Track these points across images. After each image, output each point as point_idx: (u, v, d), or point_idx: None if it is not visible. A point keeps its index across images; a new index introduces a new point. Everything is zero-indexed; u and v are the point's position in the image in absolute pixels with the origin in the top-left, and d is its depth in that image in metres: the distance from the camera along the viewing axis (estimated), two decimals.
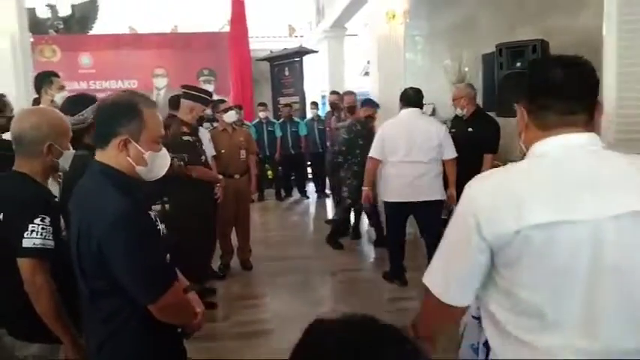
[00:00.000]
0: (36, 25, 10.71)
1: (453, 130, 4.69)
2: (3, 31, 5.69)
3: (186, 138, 4.01)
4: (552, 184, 1.21)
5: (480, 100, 5.74)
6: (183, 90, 4.12)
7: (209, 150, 4.66)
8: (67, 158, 1.96)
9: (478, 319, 2.76)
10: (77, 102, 2.51)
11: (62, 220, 1.92)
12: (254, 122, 8.84)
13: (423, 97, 4.52)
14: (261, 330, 3.79)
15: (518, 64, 4.48)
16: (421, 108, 4.54)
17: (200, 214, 4.03)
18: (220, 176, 4.47)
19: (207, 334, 3.61)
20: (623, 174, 1.21)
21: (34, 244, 1.73)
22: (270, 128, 8.82)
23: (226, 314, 4.01)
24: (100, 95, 9.99)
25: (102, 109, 1.60)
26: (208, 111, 5.26)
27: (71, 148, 2.01)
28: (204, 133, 4.76)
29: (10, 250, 1.75)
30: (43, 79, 3.92)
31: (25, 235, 1.73)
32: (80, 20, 11.04)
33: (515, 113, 4.75)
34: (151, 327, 1.55)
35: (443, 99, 6.19)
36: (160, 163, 1.63)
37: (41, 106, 3.74)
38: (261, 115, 8.78)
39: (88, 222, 1.47)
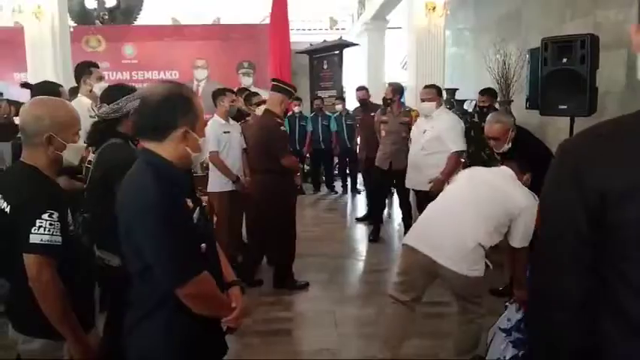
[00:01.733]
0: (84, 16, 10.99)
1: None
2: (43, 17, 5.80)
3: (283, 129, 4.28)
4: None
5: (523, 98, 5.48)
6: (274, 83, 4.29)
7: (241, 143, 4.71)
8: (73, 151, 1.91)
9: (506, 331, 2.61)
10: (115, 91, 2.53)
11: (70, 216, 1.87)
12: (287, 116, 8.76)
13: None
14: (283, 329, 3.71)
15: (565, 60, 4.21)
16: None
17: (287, 204, 4.29)
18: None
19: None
20: None
21: (41, 240, 1.69)
22: (302, 123, 8.74)
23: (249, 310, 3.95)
24: (142, 85, 10.23)
25: (154, 103, 1.55)
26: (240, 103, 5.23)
27: (80, 141, 1.96)
28: (235, 127, 4.75)
29: (16, 243, 1.71)
30: (83, 69, 3.95)
31: (32, 230, 1.69)
32: (125, 11, 11.22)
33: (560, 112, 4.52)
34: (183, 315, 1.54)
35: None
36: (205, 147, 1.70)
37: (80, 95, 3.80)
38: (295, 109, 8.70)
39: (123, 208, 1.53)
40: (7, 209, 1.74)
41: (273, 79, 4.39)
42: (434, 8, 5.50)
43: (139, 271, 1.55)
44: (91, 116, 2.52)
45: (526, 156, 2.97)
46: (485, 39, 7.83)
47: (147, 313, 1.56)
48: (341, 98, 9.11)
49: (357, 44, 10.47)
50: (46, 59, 5.84)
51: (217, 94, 4.66)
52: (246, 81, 10.40)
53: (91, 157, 2.52)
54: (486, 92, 5.62)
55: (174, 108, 1.54)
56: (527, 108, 5.35)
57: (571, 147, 1.08)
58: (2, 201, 1.75)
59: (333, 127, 8.74)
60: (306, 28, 11.71)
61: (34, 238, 1.69)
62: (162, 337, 1.56)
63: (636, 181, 0.93)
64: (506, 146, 3.49)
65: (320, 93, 10.18)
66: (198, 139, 1.60)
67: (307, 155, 9.00)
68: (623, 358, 0.97)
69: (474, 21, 8.15)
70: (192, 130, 1.57)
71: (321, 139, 8.78)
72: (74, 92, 5.07)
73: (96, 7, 11.01)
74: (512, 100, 5.95)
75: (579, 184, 0.99)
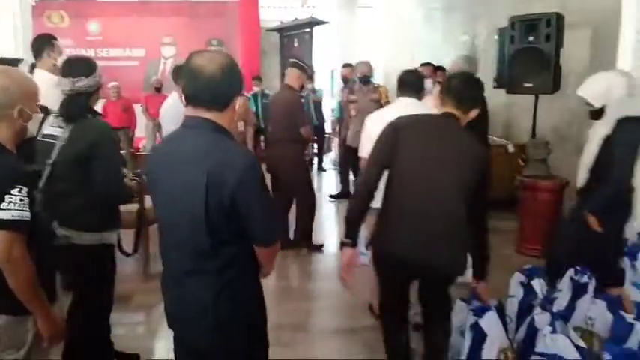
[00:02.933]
0: None
1: None
2: None
3: (303, 101, 5.01)
4: None
5: (492, 76, 5.56)
6: (293, 60, 4.79)
7: None
8: (34, 123, 1.85)
9: (466, 301, 2.68)
10: (82, 64, 2.41)
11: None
12: (251, 93, 8.70)
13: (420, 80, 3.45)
14: None
15: (531, 39, 4.28)
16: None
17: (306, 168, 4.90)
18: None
19: None
20: None
21: (12, 216, 1.63)
22: (265, 100, 8.64)
23: None
24: (107, 63, 9.97)
25: (216, 74, 1.54)
26: None
27: (39, 111, 1.91)
28: None
29: None
30: (45, 43, 3.69)
31: (1, 206, 1.62)
32: None
33: (525, 90, 4.63)
34: (256, 274, 1.73)
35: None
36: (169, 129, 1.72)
37: (40, 70, 3.65)
38: (255, 89, 8.68)
39: (219, 172, 1.51)
40: None
41: (292, 58, 4.93)
42: None
43: (229, 236, 1.59)
44: (64, 91, 2.40)
45: None
46: (455, 19, 7.88)
47: (234, 275, 1.63)
48: (309, 77, 9.07)
49: (327, 22, 10.37)
50: (7, 34, 5.63)
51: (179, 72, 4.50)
52: None
53: (52, 130, 2.41)
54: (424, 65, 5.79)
55: (237, 79, 1.61)
56: (494, 87, 5.43)
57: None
58: None
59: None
60: (276, 5, 11.51)
61: (3, 214, 1.62)
62: (250, 297, 1.70)
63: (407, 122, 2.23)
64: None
65: None
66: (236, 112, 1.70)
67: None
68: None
69: (444, 1, 8.17)
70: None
71: None
72: (33, 69, 4.90)
73: None
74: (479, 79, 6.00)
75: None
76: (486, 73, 5.87)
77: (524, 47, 4.33)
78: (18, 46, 5.65)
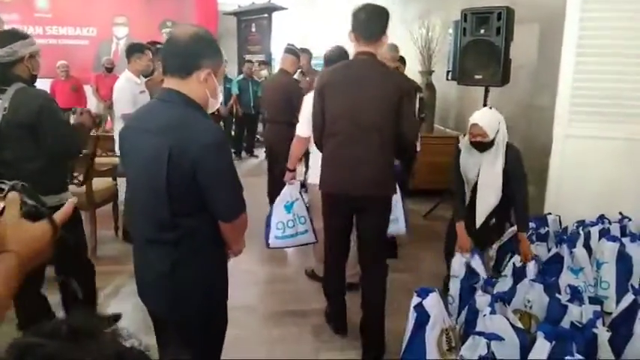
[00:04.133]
0: None
1: None
2: None
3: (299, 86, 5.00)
4: None
5: (446, 68, 5.66)
6: (289, 46, 4.95)
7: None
8: None
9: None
10: (7, 36, 2.52)
11: None
12: None
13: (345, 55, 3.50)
14: None
15: (482, 32, 4.38)
16: None
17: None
18: None
19: None
20: None
21: None
22: (227, 85, 8.54)
23: None
24: (56, 42, 9.55)
25: (185, 41, 1.62)
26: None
27: None
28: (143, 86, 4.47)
29: None
30: None
31: None
32: None
33: (475, 82, 4.75)
34: (219, 247, 1.74)
35: (411, 68, 6.05)
36: (219, 96, 1.75)
37: None
38: None
39: (183, 145, 1.53)
40: None
41: (289, 44, 5.01)
42: None
43: (188, 208, 1.62)
44: None
45: None
46: (411, 12, 7.97)
47: (193, 247, 1.66)
48: (265, 63, 9.00)
49: (285, 8, 10.29)
50: None
51: (134, 50, 4.30)
52: None
53: None
54: None
55: (202, 48, 1.63)
56: (447, 79, 5.54)
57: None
58: None
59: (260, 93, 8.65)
60: None
61: None
62: (208, 269, 1.73)
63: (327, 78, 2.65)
64: None
65: (248, 57, 9.98)
66: (217, 85, 1.70)
67: (232, 118, 8.83)
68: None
69: None
70: (215, 74, 1.66)
71: (252, 104, 8.65)
72: None
73: None
74: (434, 71, 6.12)
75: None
76: (441, 65, 6.00)
77: (476, 39, 4.42)
78: None
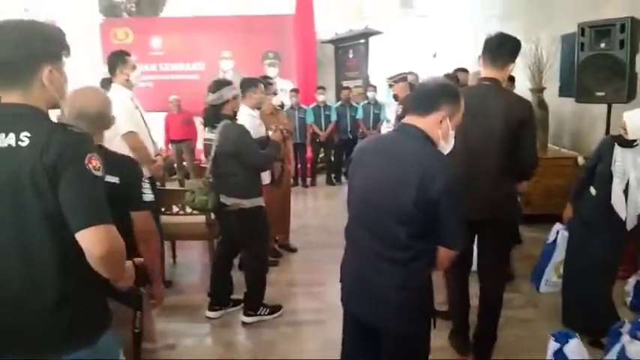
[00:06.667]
0: (111, 9, 11.10)
1: None
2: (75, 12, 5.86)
3: None
4: None
5: (556, 85, 5.35)
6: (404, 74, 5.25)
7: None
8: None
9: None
10: (219, 84, 3.46)
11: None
12: (312, 106, 8.76)
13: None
14: (314, 320, 3.71)
15: (603, 45, 4.09)
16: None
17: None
18: None
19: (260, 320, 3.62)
20: None
21: (149, 198, 2.12)
22: (326, 112, 8.71)
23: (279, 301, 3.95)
24: (168, 77, 10.24)
25: (429, 86, 1.91)
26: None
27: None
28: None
29: (124, 207, 2.00)
30: (118, 59, 3.88)
31: (142, 191, 2.09)
32: (151, 3, 11.30)
33: (597, 99, 4.49)
34: (432, 270, 1.92)
35: (517, 85, 5.79)
36: (451, 143, 1.90)
37: (116, 84, 3.84)
38: (319, 98, 8.69)
39: (430, 175, 1.73)
40: (116, 180, 1.99)
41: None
42: None
43: (423, 231, 1.81)
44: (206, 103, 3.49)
45: None
46: (513, 25, 7.66)
47: (418, 267, 1.84)
48: (372, 87, 9.05)
49: (381, 32, 10.33)
50: (77, 52, 5.91)
51: (249, 85, 4.29)
52: (272, 71, 10.38)
53: (209, 135, 3.45)
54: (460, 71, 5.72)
55: (443, 93, 1.85)
56: (560, 95, 5.23)
57: None
58: (110, 176, 1.92)
59: (360, 116, 8.73)
60: (331, 17, 11.56)
61: (145, 197, 2.09)
62: (430, 287, 1.93)
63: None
64: None
65: (345, 83, 10.11)
66: (452, 130, 1.87)
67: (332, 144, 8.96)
68: None
69: (501, 8, 7.97)
70: (450, 119, 1.85)
71: (349, 129, 8.78)
72: (108, 83, 5.10)
73: (123, 0, 11.11)
74: (545, 88, 5.81)
75: None
76: (551, 81, 5.68)
77: (596, 54, 4.15)
78: (87, 62, 5.92)
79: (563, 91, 5.15)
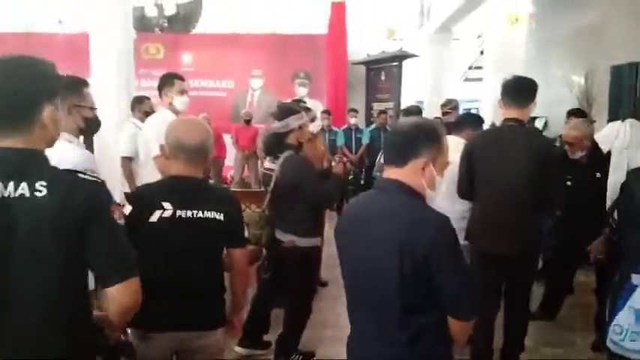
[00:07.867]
0: (144, 24, 11.11)
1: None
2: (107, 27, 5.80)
3: None
4: None
5: (605, 120, 5.07)
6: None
7: None
8: None
9: None
10: (285, 111, 3.15)
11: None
12: (343, 128, 8.54)
13: None
14: None
15: None
16: None
17: None
18: None
19: None
20: None
21: (246, 235, 2.12)
22: (358, 135, 8.47)
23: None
24: (197, 93, 10.20)
25: (404, 131, 1.62)
26: None
27: None
28: None
29: (222, 244, 2.00)
30: (166, 80, 3.70)
31: (242, 228, 2.07)
32: (184, 19, 11.30)
33: None
34: (449, 347, 1.59)
35: (557, 111, 5.51)
36: (439, 189, 1.67)
37: (162, 107, 3.71)
38: (352, 121, 8.46)
39: (412, 236, 1.47)
40: (221, 217, 1.92)
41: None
42: (517, 19, 5.13)
43: (420, 303, 1.53)
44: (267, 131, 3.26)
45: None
46: (557, 53, 7.38)
47: (423, 348, 1.53)
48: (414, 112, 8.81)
49: (417, 56, 10.12)
50: (111, 67, 5.81)
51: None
52: (302, 91, 10.26)
53: (270, 165, 3.19)
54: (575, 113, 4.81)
55: (420, 137, 1.57)
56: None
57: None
58: (215, 212, 1.92)
59: None
60: (363, 38, 11.42)
61: (245, 234, 2.11)
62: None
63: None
64: (580, 153, 3.69)
65: (376, 105, 9.90)
66: (437, 177, 1.60)
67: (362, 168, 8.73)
68: None
69: (541, 34, 7.70)
70: (433, 164, 1.57)
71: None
72: (138, 102, 4.98)
73: (156, 14, 11.12)
74: (595, 121, 5.50)
75: None
76: (601, 111, 5.39)
77: None
78: (120, 79, 5.82)
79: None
